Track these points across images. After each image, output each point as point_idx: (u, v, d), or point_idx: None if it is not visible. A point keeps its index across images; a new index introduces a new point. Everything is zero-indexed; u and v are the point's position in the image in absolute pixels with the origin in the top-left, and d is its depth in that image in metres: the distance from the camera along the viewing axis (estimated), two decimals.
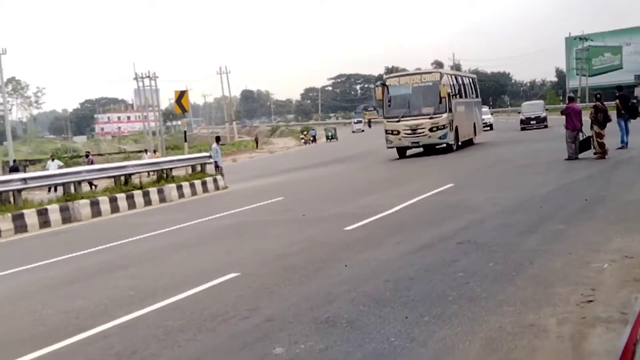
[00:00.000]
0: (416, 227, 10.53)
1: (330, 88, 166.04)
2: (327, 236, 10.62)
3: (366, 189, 17.61)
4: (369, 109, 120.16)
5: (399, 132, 27.72)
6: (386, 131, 28.50)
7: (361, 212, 12.51)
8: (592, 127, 18.65)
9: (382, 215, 11.96)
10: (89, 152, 42.91)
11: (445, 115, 27.24)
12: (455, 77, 30.77)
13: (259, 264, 8.96)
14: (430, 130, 27.29)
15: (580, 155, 18.67)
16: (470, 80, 34.58)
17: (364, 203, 14.17)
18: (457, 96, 29.37)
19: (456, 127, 28.45)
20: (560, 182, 14.20)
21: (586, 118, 19.19)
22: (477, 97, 35.13)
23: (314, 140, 75.84)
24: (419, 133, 27.41)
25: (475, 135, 32.73)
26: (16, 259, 11.94)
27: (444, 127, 27.29)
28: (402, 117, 27.65)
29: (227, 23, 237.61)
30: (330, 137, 74.20)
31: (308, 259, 8.96)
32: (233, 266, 8.87)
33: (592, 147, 18.68)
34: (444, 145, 28.08)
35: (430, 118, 27.17)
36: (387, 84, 28.40)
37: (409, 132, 27.53)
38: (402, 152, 28.84)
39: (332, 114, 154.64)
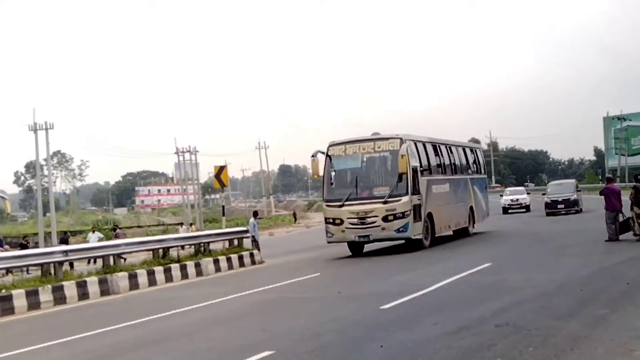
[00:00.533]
0: (453, 308, 10.41)
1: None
2: (362, 315, 10.55)
3: (403, 265, 17.52)
4: None
5: (341, 222, 20.19)
6: (326, 220, 20.99)
7: (397, 290, 12.43)
8: (632, 209, 18.42)
9: (418, 294, 11.86)
10: (117, 225, 43.54)
11: (405, 198, 19.67)
12: (432, 146, 22.81)
13: (294, 342, 8.91)
14: (385, 219, 19.77)
15: (620, 237, 18.39)
16: (465, 151, 26.48)
17: (400, 280, 14.08)
18: (436, 171, 22.46)
19: (429, 215, 21.11)
20: (601, 265, 13.98)
21: (626, 198, 18.98)
22: (479, 172, 27.57)
23: None
24: (369, 223, 19.86)
25: (473, 222, 25.17)
26: (53, 331, 12.03)
27: (403, 215, 19.66)
28: (347, 200, 20.22)
29: (265, 100, 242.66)
30: None
31: (343, 338, 8.89)
32: (268, 344, 8.83)
33: (632, 228, 18.40)
34: (403, 241, 20.94)
35: (385, 202, 19.70)
36: (329, 153, 20.94)
37: (356, 221, 19.98)
38: (355, 247, 21.41)
39: None
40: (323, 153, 21.02)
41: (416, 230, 20.17)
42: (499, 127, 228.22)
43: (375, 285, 13.88)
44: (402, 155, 19.19)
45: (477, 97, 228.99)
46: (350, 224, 19.93)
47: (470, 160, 26.46)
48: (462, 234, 24.75)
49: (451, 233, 24.56)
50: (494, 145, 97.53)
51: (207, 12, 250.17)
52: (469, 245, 21.97)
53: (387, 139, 20.52)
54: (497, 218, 35.20)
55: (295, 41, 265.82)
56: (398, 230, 19.65)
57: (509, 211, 42.28)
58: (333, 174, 20.82)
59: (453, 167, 24.07)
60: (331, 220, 20.44)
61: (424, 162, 21.54)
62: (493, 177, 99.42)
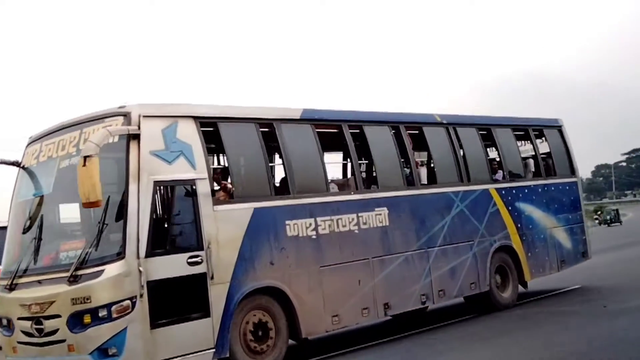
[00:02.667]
0: None
1: (624, 164, 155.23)
2: (636, 332, 9.45)
3: None
4: None
5: (9, 327, 8.88)
6: None
7: None
8: None
9: None
10: None
11: (115, 267, 8.07)
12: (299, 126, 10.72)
13: None
14: (74, 322, 8.09)
15: None
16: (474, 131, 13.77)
17: None
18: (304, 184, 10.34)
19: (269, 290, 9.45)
20: None
21: None
22: (552, 174, 14.90)
23: (613, 220, 66.14)
24: (48, 335, 8.28)
25: (511, 281, 13.34)
26: None
27: (108, 311, 7.97)
28: (18, 275, 8.82)
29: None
30: (608, 221, 62.18)
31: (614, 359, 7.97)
32: None
33: None
34: None
35: (71, 280, 8.10)
36: (23, 163, 9.64)
37: (29, 327, 8.46)
38: None
39: (627, 192, 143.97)
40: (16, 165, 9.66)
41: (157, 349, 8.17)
42: None
43: None
44: (88, 158, 7.76)
45: None
46: (23, 333, 8.64)
47: (509, 151, 14.04)
48: (478, 307, 12.88)
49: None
50: None
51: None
52: None
53: (101, 118, 8.80)
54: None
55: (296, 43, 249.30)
56: (100, 353, 8.05)
57: None
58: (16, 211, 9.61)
59: (406, 170, 11.98)
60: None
61: (237, 166, 9.94)
62: None
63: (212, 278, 8.78)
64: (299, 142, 10.58)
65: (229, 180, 9.71)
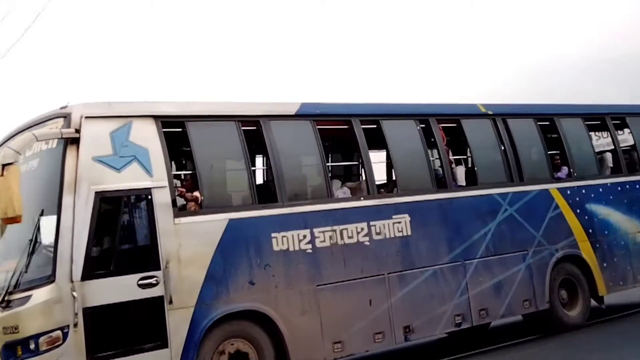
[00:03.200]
0: None
1: None
2: None
3: None
4: None
5: None
6: None
7: None
8: None
9: None
10: None
11: (43, 293, 6.93)
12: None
13: None
14: (4, 354, 7.03)
15: None
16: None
17: None
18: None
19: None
20: None
21: None
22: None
23: None
24: None
25: (583, 301, 11.37)
26: None
27: (35, 344, 6.83)
28: None
29: None
30: None
31: None
32: None
33: None
34: None
35: (3, 307, 7.08)
36: None
37: None
38: None
39: None
40: None
41: None
42: None
43: None
44: (7, 167, 6.74)
45: None
46: None
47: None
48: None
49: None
50: None
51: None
52: None
53: (44, 121, 7.84)
54: None
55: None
56: None
57: None
58: None
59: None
60: None
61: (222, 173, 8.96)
62: None
63: (170, 302, 7.51)
64: (293, 142, 9.16)
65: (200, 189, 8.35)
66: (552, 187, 11.23)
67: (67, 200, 7.14)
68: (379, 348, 9.34)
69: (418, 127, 10.18)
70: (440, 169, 10.31)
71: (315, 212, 8.83)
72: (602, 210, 11.76)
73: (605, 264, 11.56)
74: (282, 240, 8.45)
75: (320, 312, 8.58)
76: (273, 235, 8.39)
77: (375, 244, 9.19)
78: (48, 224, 7.23)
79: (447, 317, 9.67)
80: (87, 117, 7.47)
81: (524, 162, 11.09)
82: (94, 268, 7.18)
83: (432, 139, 10.27)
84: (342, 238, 8.92)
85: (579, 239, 11.32)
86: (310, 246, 8.65)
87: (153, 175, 7.73)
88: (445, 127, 10.59)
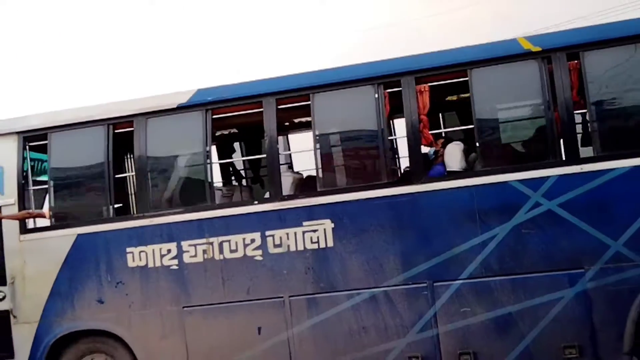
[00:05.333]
0: None
1: None
2: None
3: None
4: None
5: None
6: None
7: None
8: None
9: None
10: None
11: None
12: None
13: None
14: None
15: None
16: None
17: None
18: None
19: None
20: None
21: None
22: None
23: None
24: None
25: None
26: None
27: None
28: None
29: None
30: None
31: None
32: None
33: None
34: None
35: None
36: None
37: None
38: None
39: None
40: None
41: None
42: None
43: None
44: None
45: None
46: None
47: None
48: None
49: None
50: None
51: None
52: None
53: None
54: None
55: None
56: None
57: None
58: None
59: None
60: None
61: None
62: None
63: (14, 317, 7.72)
64: (170, 141, 7.63)
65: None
66: None
67: None
68: None
69: (375, 95, 6.93)
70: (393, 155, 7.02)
71: (185, 222, 7.33)
72: None
73: None
74: (139, 256, 7.43)
75: (187, 339, 7.39)
76: (128, 250, 7.44)
77: (271, 259, 7.14)
78: None
79: (392, 359, 6.98)
80: None
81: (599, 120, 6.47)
82: None
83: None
84: (221, 252, 7.24)
85: None
86: (176, 262, 7.35)
87: (4, 193, 7.73)
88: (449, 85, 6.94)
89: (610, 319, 6.50)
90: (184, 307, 7.36)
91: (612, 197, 6.41)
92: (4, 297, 7.72)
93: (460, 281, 6.75)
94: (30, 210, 7.78)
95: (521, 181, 6.57)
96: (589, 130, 6.61)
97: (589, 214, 6.45)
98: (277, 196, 7.19)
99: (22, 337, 7.67)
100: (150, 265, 7.37)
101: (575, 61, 6.58)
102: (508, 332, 6.70)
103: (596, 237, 6.44)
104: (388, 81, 6.97)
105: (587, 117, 6.66)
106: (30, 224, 7.82)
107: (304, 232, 7.00)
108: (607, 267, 6.46)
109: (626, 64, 6.49)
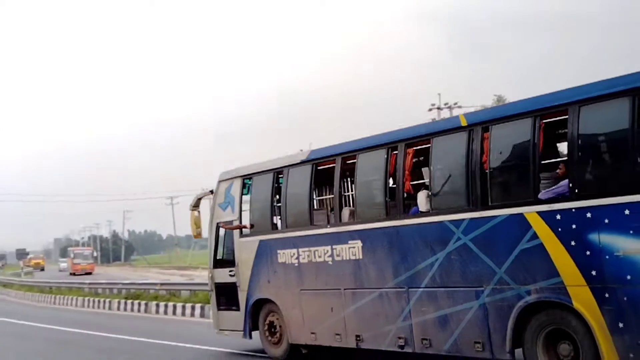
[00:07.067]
0: None
1: None
2: None
3: None
4: None
5: None
6: None
7: None
8: None
9: None
10: None
11: None
12: None
13: None
14: None
15: None
16: None
17: None
18: None
19: None
20: None
21: None
22: None
23: None
24: None
25: None
26: None
27: None
28: None
29: None
30: None
31: None
32: None
33: None
34: None
35: None
36: None
37: None
38: None
39: None
40: None
41: None
42: None
43: None
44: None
45: None
46: None
47: None
48: None
49: None
50: None
51: None
52: None
53: None
54: None
55: None
56: None
57: None
58: None
59: None
60: None
61: None
62: None
63: (238, 286, 13.42)
64: (297, 184, 12.22)
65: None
66: (529, 210, 8.71)
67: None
68: (340, 346, 11.46)
69: (385, 156, 10.63)
70: (391, 198, 10.44)
71: (300, 236, 11.99)
72: (622, 243, 7.87)
73: (619, 325, 7.92)
74: (282, 255, 12.36)
75: (302, 309, 12.08)
76: (278, 251, 12.41)
77: (335, 264, 11.34)
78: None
79: (391, 337, 10.50)
80: (219, 181, 14.01)
81: (492, 181, 9.15)
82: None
83: (395, 166, 10.47)
84: (314, 257, 11.75)
85: (568, 282, 8.35)
86: (297, 261, 12.09)
87: (233, 213, 13.51)
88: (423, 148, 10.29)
89: (498, 325, 9.02)
90: (300, 290, 12.04)
91: (498, 236, 8.98)
92: (233, 274, 13.45)
93: (421, 289, 9.98)
94: (242, 224, 13.35)
95: (450, 221, 9.54)
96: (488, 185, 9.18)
97: (486, 248, 9.10)
98: (337, 223, 11.36)
99: (241, 299, 13.30)
100: (287, 262, 12.24)
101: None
102: (445, 327, 9.68)
103: (489, 264, 9.07)
104: (392, 145, 10.51)
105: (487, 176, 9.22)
106: (243, 231, 13.41)
107: (349, 248, 11.06)
108: (495, 287, 9.03)
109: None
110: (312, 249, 11.75)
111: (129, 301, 27.24)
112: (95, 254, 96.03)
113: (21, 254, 69.45)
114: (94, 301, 30.09)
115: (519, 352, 9.04)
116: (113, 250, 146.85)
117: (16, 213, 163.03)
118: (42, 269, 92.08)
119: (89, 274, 68.53)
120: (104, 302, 29.09)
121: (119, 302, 27.85)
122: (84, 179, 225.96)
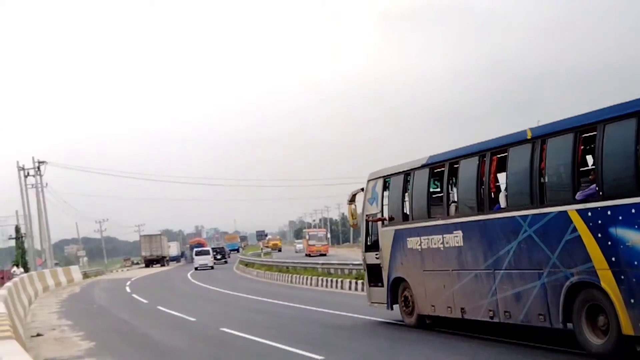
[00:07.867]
0: None
1: None
2: None
3: None
4: None
5: None
6: None
7: None
8: None
9: None
10: None
11: None
12: None
13: None
14: None
15: None
16: None
17: None
18: None
19: None
20: None
21: None
22: None
23: None
24: None
25: None
26: None
27: None
28: None
29: None
30: None
31: None
32: None
33: None
34: None
35: None
36: None
37: None
38: None
39: None
40: None
41: None
42: None
43: None
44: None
45: None
46: None
47: None
48: None
49: None
50: None
51: None
52: None
53: None
54: None
55: None
56: None
57: None
58: None
59: None
60: None
61: None
62: None
63: (381, 267, 16.44)
64: (419, 183, 14.94)
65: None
66: (570, 208, 10.83)
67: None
68: (450, 317, 14.04)
69: (477, 162, 13.05)
70: (480, 196, 12.85)
71: (420, 227, 14.74)
72: (631, 236, 9.85)
73: (632, 300, 9.90)
74: (410, 242, 15.16)
75: (425, 286, 14.82)
76: (408, 239, 15.23)
77: (445, 250, 13.96)
78: None
79: (484, 310, 12.91)
80: (368, 180, 17.11)
81: (547, 184, 11.35)
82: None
83: (484, 169, 12.88)
84: (432, 244, 14.43)
85: (597, 266, 10.43)
86: (419, 247, 14.84)
87: (378, 208, 16.49)
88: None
89: (553, 301, 11.16)
90: (423, 270, 14.79)
91: (550, 229, 11.16)
92: (378, 257, 16.45)
93: (502, 271, 12.34)
94: (383, 216, 16.24)
95: (519, 216, 11.80)
96: None
97: (544, 238, 11.26)
98: (445, 216, 13.94)
99: (384, 277, 16.29)
100: (413, 247, 15.01)
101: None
102: (519, 302, 11.92)
103: (546, 252, 11.26)
104: (482, 154, 12.94)
105: None
106: (384, 222, 16.30)
107: (454, 237, 13.65)
108: (551, 270, 11.21)
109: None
110: (430, 237, 14.42)
111: (360, 281, 26.42)
112: (328, 236, 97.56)
113: (261, 235, 75.27)
114: (326, 280, 31.61)
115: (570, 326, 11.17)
116: (342, 232, 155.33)
117: (257, 198, 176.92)
118: (279, 250, 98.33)
119: (324, 255, 69.76)
120: (336, 281, 30.39)
121: (350, 282, 28.73)
122: (322, 165, 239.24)
